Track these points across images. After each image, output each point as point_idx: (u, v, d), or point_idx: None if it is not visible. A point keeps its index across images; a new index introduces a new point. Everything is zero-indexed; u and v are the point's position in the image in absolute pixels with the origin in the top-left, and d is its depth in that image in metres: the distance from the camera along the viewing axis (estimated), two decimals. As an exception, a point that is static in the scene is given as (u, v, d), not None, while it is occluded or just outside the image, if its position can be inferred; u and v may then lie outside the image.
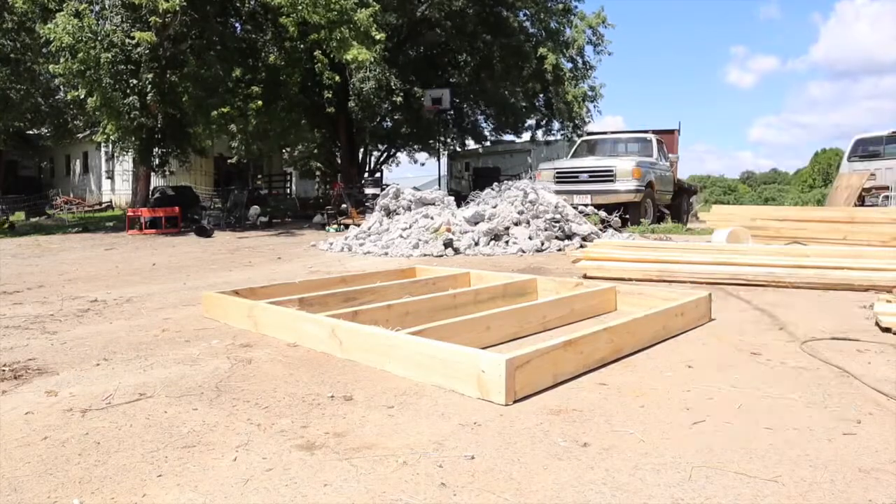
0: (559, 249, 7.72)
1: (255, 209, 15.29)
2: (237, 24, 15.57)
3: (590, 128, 20.16)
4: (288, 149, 22.52)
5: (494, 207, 8.68)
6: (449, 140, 23.08)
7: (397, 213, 9.29)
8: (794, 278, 4.62)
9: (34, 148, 29.21)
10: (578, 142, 14.80)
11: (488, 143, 25.00)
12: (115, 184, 26.24)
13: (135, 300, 4.66)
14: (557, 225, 8.25)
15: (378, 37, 13.04)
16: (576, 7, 19.48)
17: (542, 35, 19.12)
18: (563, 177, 11.84)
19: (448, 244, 7.74)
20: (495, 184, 10.23)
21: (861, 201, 12.17)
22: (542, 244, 7.82)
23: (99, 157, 27.72)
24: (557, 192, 10.02)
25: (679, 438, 1.89)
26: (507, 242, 7.95)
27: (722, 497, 1.53)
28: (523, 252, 7.63)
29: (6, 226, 14.74)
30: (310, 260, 7.63)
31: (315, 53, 13.28)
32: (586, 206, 10.14)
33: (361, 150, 22.55)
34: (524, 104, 20.91)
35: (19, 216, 19.44)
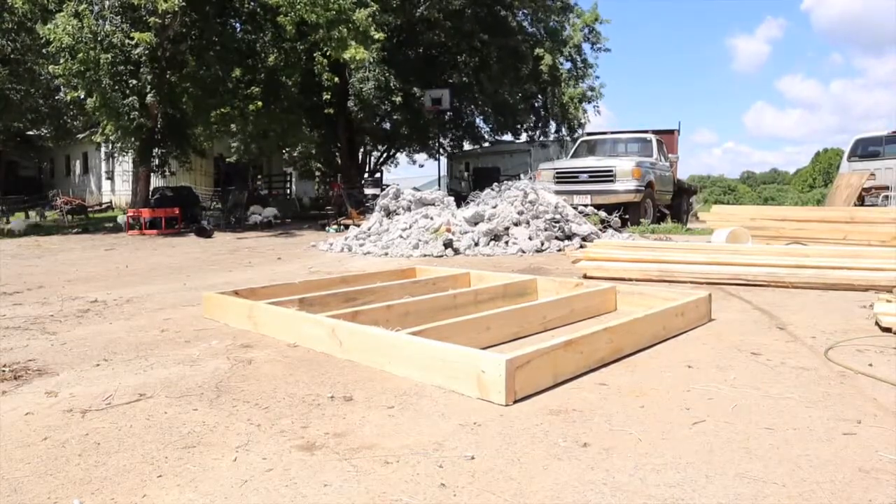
0: (559, 250, 7.72)
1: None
2: (237, 25, 15.57)
3: (587, 127, 20.19)
4: (288, 149, 22.53)
5: (494, 208, 8.67)
6: (447, 141, 23.08)
7: (397, 214, 9.29)
8: (795, 278, 4.62)
9: (34, 148, 29.18)
10: (578, 142, 14.81)
11: (487, 144, 25.01)
12: (115, 184, 26.24)
13: (135, 301, 4.66)
14: (557, 225, 8.25)
15: (377, 36, 13.03)
16: (575, 4, 19.49)
17: (541, 34, 19.13)
18: (562, 177, 11.84)
19: (448, 244, 7.74)
20: (495, 184, 10.23)
21: (861, 201, 12.16)
22: (542, 244, 7.82)
23: (99, 158, 27.72)
24: (557, 193, 10.02)
25: (679, 438, 1.89)
26: (506, 243, 7.95)
27: (722, 497, 1.53)
28: (523, 252, 7.63)
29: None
30: (310, 260, 7.63)
31: (315, 55, 13.29)
32: (586, 206, 10.14)
33: (361, 150, 22.54)
34: (522, 105, 20.92)
35: (20, 216, 19.43)
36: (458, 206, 9.77)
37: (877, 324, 3.31)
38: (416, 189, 10.98)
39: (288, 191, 26.63)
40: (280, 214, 15.72)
